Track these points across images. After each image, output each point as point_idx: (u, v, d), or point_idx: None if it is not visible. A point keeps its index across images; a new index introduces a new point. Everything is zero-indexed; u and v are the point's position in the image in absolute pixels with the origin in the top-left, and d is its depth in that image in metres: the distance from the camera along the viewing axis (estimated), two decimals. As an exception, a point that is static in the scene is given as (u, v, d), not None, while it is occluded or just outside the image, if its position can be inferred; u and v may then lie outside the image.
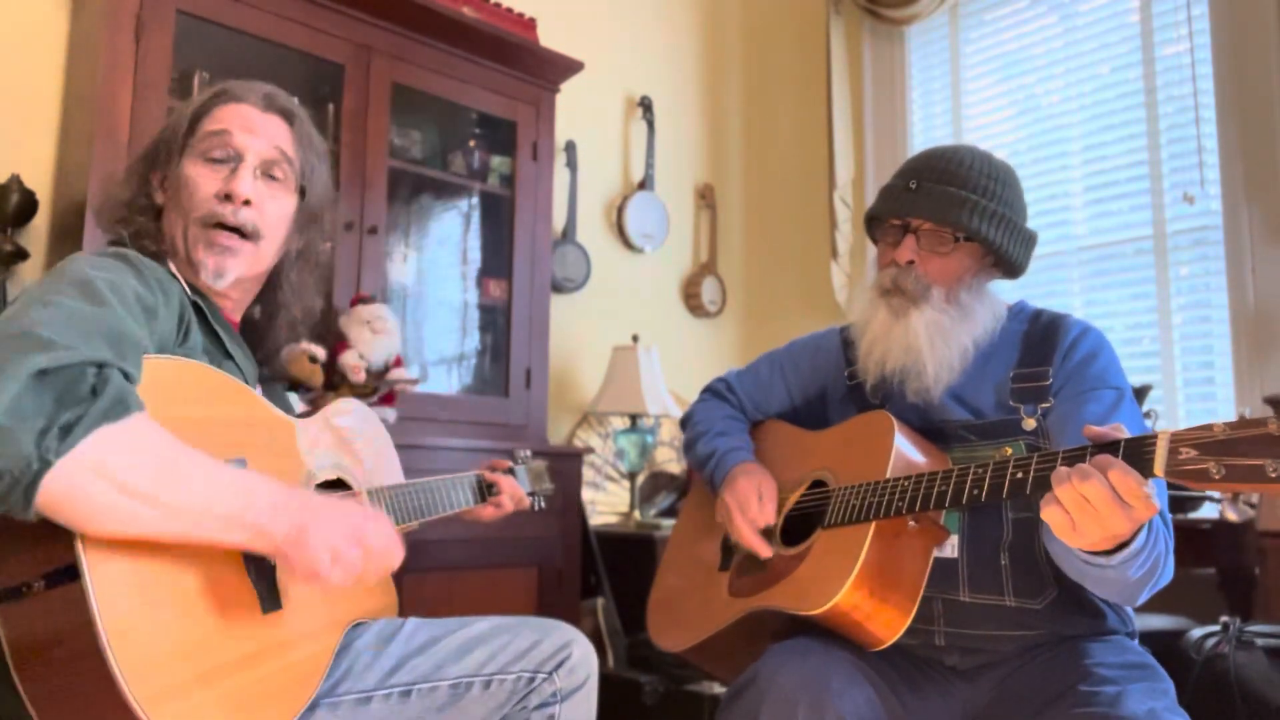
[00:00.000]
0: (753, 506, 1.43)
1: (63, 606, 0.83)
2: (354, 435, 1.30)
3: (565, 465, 2.50)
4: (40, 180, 2.14)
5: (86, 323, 0.87)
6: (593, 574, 2.64)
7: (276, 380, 1.40)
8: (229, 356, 1.18)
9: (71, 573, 0.83)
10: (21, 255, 2.05)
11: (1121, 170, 2.84)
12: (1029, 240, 1.41)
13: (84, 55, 2.11)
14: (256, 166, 1.19)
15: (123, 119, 1.97)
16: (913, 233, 1.36)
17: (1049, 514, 0.99)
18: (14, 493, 0.78)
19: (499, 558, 2.34)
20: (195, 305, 1.14)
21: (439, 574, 2.22)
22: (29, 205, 2.06)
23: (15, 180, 2.05)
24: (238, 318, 1.26)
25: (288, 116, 1.25)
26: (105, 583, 0.83)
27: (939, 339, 1.34)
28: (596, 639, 2.52)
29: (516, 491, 1.57)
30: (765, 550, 1.41)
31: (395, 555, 1.06)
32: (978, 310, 1.37)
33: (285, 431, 1.14)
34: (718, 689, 2.26)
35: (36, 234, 2.14)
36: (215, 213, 1.15)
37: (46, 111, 2.20)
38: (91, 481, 0.81)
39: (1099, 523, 0.97)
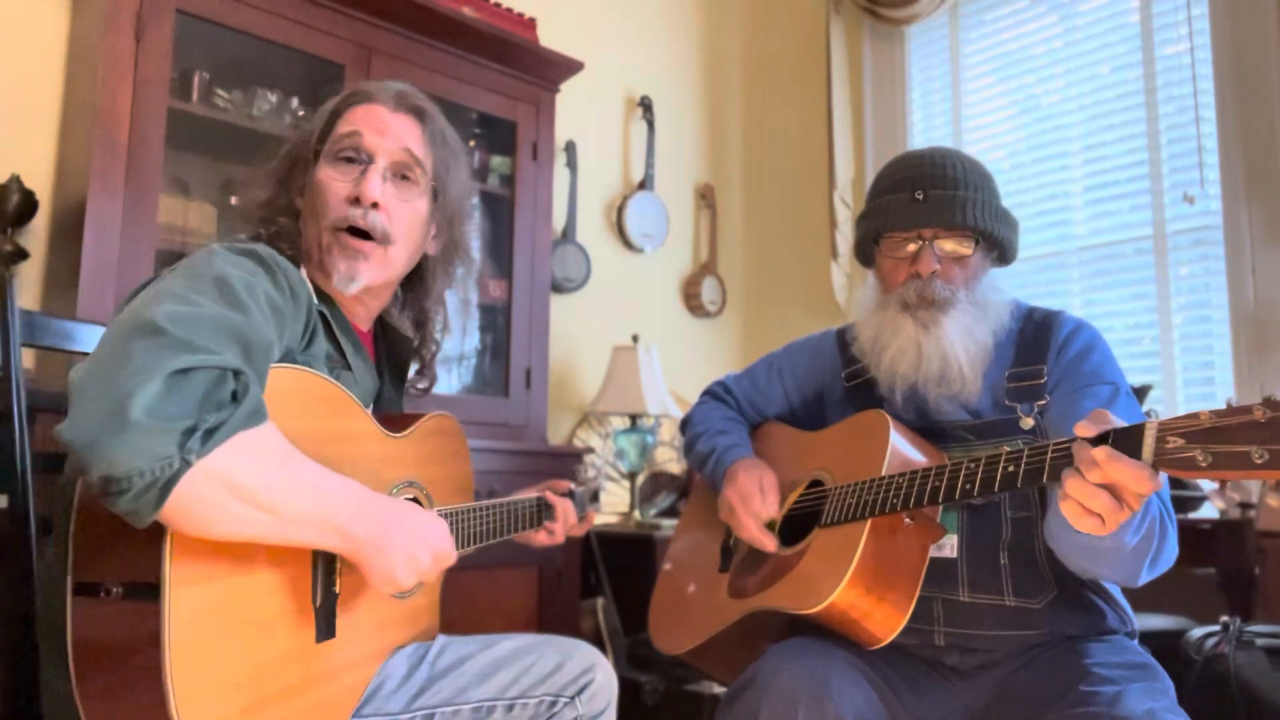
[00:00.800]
0: (755, 499, 1.43)
1: (135, 619, 0.83)
2: (435, 453, 1.29)
3: (565, 465, 2.50)
4: (40, 180, 2.14)
5: (224, 327, 0.86)
6: (593, 574, 2.64)
7: (425, 385, 1.39)
8: (348, 367, 1.17)
9: (152, 590, 0.82)
10: (21, 255, 2.05)
11: (1121, 170, 2.84)
12: (1017, 226, 1.43)
13: (84, 55, 2.11)
14: (386, 168, 1.17)
15: (123, 119, 1.97)
16: (928, 242, 1.36)
17: (1066, 507, 0.99)
18: (149, 494, 0.76)
19: (499, 558, 2.33)
20: (321, 314, 1.13)
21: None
22: (29, 205, 2.06)
23: (15, 180, 2.05)
24: (367, 328, 1.25)
25: (419, 115, 1.23)
26: (182, 607, 0.83)
27: (970, 341, 1.34)
28: (596, 639, 2.52)
29: (571, 519, 1.53)
30: (769, 543, 1.41)
31: (451, 557, 1.10)
32: (993, 304, 1.38)
33: (375, 445, 1.14)
34: (718, 689, 2.26)
35: (36, 234, 2.15)
36: (345, 216, 1.14)
37: (46, 111, 2.20)
38: (220, 488, 0.81)
39: (1109, 512, 0.97)
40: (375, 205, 1.15)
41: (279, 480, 0.86)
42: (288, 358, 1.03)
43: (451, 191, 1.26)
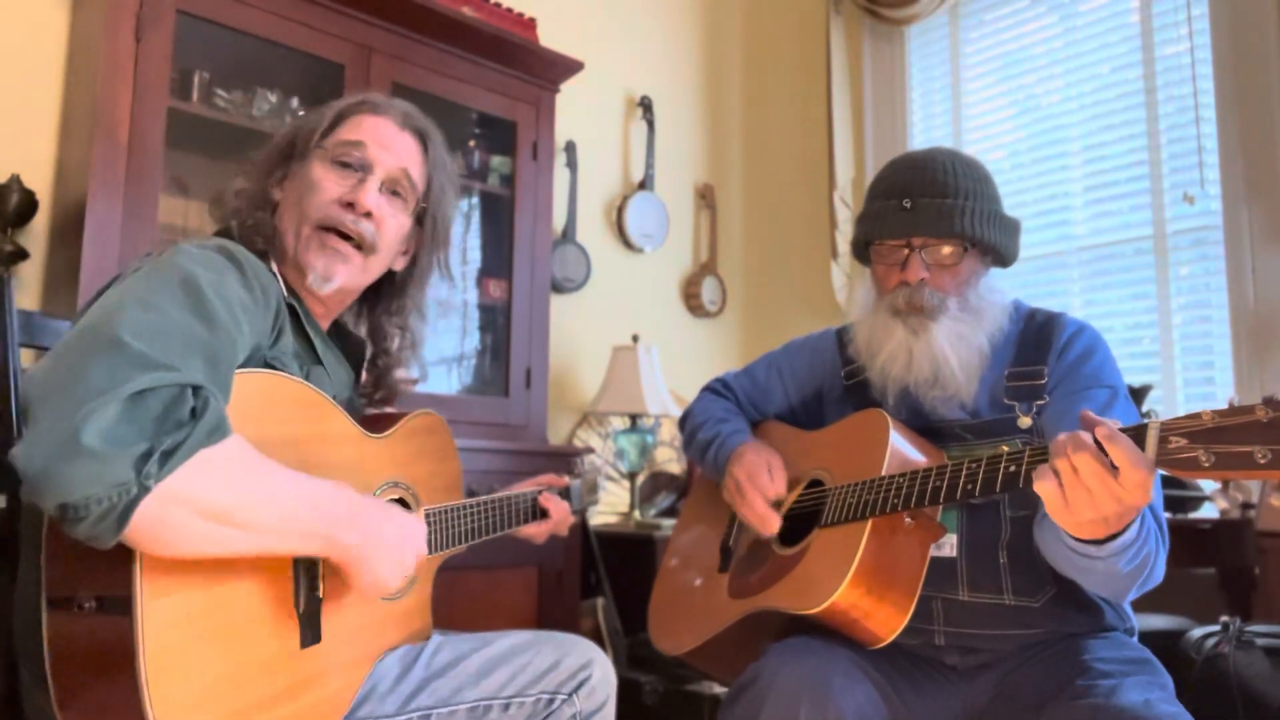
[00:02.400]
0: (763, 477, 1.43)
1: (109, 632, 0.82)
2: (420, 451, 1.28)
3: (565, 465, 2.50)
4: (40, 180, 2.14)
5: (189, 340, 0.85)
6: (593, 574, 2.64)
7: (381, 395, 1.38)
8: (319, 361, 1.17)
9: (124, 604, 0.81)
10: (21, 255, 2.05)
11: (1121, 170, 2.84)
12: (1016, 228, 1.42)
13: (84, 55, 2.11)
14: (384, 181, 1.19)
15: (123, 119, 1.97)
16: (916, 250, 1.36)
17: (1041, 487, 0.99)
18: (107, 520, 0.75)
19: (499, 558, 2.34)
20: (290, 308, 1.12)
21: (439, 574, 2.21)
22: (29, 205, 2.06)
23: (15, 180, 2.05)
24: (326, 325, 1.25)
25: (422, 137, 1.25)
26: (155, 619, 0.82)
27: (961, 346, 1.34)
28: (596, 639, 2.52)
29: (563, 518, 1.52)
30: (774, 522, 1.40)
31: (425, 552, 1.11)
32: (988, 309, 1.38)
33: (355, 447, 1.13)
34: (718, 689, 2.26)
35: (36, 234, 2.15)
36: (334, 217, 1.15)
37: (46, 111, 2.20)
38: (183, 509, 0.79)
39: (1090, 499, 0.96)
40: (368, 214, 1.16)
41: (250, 494, 0.85)
42: (255, 356, 1.01)
43: (439, 215, 1.27)
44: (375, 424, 1.21)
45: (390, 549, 1.00)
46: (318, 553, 0.94)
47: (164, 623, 0.83)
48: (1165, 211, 2.72)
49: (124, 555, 0.81)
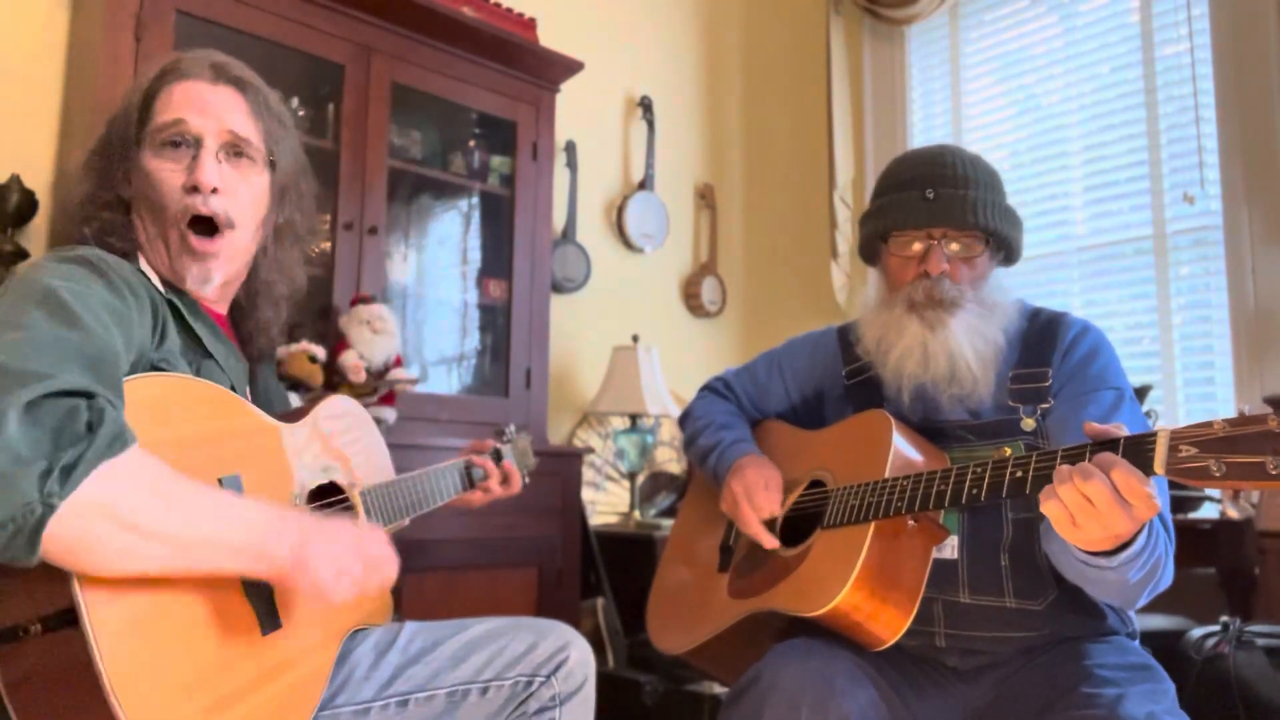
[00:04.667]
0: (760, 494, 1.43)
1: (62, 651, 0.80)
2: (343, 435, 1.27)
3: (565, 465, 2.50)
4: (40, 180, 2.14)
5: (60, 347, 0.82)
6: (593, 574, 2.64)
7: (265, 362, 1.34)
8: (209, 355, 1.13)
9: (69, 616, 0.79)
10: (21, 255, 2.05)
11: (1121, 170, 2.84)
12: (1021, 224, 1.43)
13: (84, 55, 2.11)
14: (218, 149, 1.11)
15: (123, 119, 1.97)
16: (937, 242, 1.35)
17: (1049, 508, 0.99)
18: (17, 541, 0.74)
19: (499, 558, 2.34)
20: (170, 303, 1.09)
21: (439, 574, 2.22)
22: (29, 205, 2.06)
23: (15, 180, 2.04)
24: (223, 309, 1.21)
25: (240, 86, 1.15)
26: (105, 624, 0.80)
27: (978, 340, 1.33)
28: (596, 639, 2.52)
29: (508, 472, 1.51)
30: (769, 540, 1.41)
31: (392, 566, 1.05)
32: (1001, 302, 1.38)
33: (273, 438, 1.11)
34: (718, 689, 2.26)
35: (36, 234, 2.14)
36: (186, 205, 1.09)
37: (46, 111, 2.20)
38: (97, 523, 0.77)
39: (1100, 521, 0.96)
40: (215, 190, 1.10)
41: (162, 508, 0.82)
42: (142, 361, 0.98)
43: (283, 161, 1.20)
44: (286, 417, 1.18)
45: (330, 557, 0.95)
46: (251, 571, 0.91)
47: (116, 628, 0.81)
48: (1165, 211, 2.72)
49: (58, 572, 0.79)
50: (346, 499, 1.23)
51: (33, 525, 0.74)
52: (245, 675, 0.94)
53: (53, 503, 0.74)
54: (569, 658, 1.23)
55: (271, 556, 0.91)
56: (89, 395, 0.80)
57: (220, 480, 0.98)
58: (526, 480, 1.61)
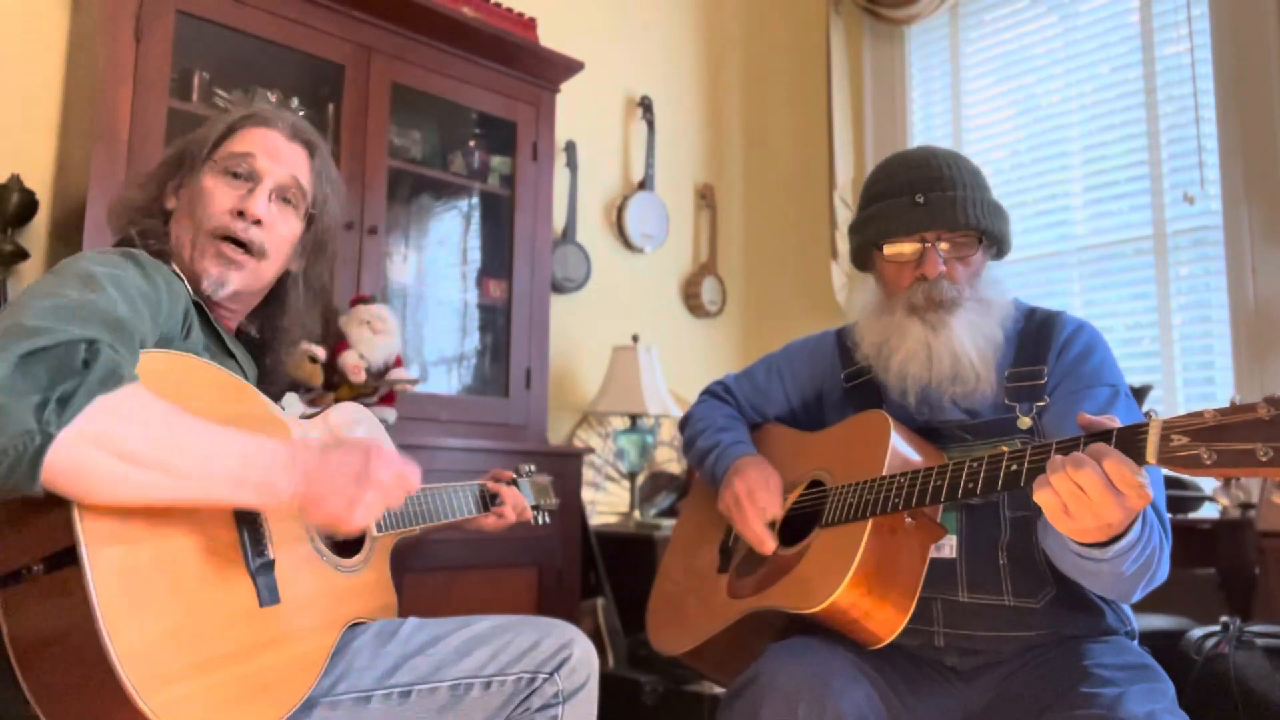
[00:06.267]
0: (761, 495, 1.43)
1: (62, 589, 0.83)
2: (356, 435, 1.30)
3: (565, 465, 2.50)
4: (40, 180, 2.14)
5: (82, 309, 0.88)
6: (593, 574, 2.64)
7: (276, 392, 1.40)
8: (231, 355, 1.21)
9: (70, 555, 0.83)
10: (21, 255, 2.05)
11: (1121, 170, 2.84)
12: (1008, 217, 1.43)
13: (84, 55, 2.11)
14: (273, 190, 1.23)
15: (123, 119, 1.97)
16: (932, 245, 1.36)
17: (1042, 497, 1.00)
18: (19, 468, 0.78)
19: (499, 558, 2.34)
20: (197, 305, 1.17)
21: (439, 574, 2.23)
22: (29, 205, 2.06)
23: (15, 180, 2.05)
24: (233, 327, 1.29)
25: (310, 148, 1.30)
26: (104, 565, 0.84)
27: (978, 336, 1.34)
28: (596, 639, 2.52)
29: (520, 501, 1.57)
30: (769, 541, 1.41)
31: (414, 477, 1.09)
32: (996, 299, 1.38)
33: (284, 431, 1.14)
34: (718, 689, 2.26)
35: (36, 234, 2.15)
36: (227, 226, 1.19)
37: (46, 111, 2.20)
38: (95, 451, 0.82)
39: (1092, 510, 0.97)
40: (259, 222, 1.21)
41: (160, 438, 0.86)
42: (166, 343, 1.04)
43: (324, 222, 1.33)
44: (299, 415, 1.24)
45: (337, 488, 0.99)
46: (254, 502, 0.95)
47: (114, 569, 0.85)
48: (1165, 211, 2.72)
49: (61, 509, 0.83)
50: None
51: (32, 454, 0.78)
52: (238, 642, 0.96)
53: (49, 430, 0.79)
54: (572, 655, 1.24)
55: (277, 488, 0.95)
56: (91, 341, 0.85)
57: None
58: (547, 520, 1.68)
